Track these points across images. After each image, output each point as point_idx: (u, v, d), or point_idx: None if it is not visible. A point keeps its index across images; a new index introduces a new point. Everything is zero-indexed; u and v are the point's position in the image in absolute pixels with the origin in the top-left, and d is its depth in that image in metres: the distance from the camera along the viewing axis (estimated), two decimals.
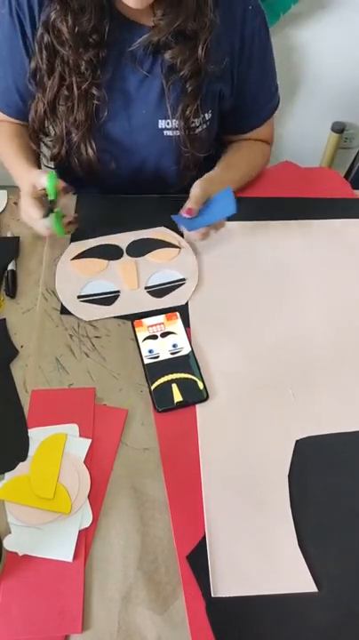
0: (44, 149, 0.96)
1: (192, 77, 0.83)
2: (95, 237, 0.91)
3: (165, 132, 0.90)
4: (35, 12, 0.80)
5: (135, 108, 0.88)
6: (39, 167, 0.96)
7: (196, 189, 0.84)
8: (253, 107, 0.97)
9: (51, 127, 0.89)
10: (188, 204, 0.84)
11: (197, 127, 0.90)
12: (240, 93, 0.93)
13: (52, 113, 0.86)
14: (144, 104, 0.87)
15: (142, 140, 0.91)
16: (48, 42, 0.80)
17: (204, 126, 0.91)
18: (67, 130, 0.86)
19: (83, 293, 0.84)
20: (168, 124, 0.88)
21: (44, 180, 0.79)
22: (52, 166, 0.99)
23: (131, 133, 0.90)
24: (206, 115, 0.90)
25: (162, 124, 0.89)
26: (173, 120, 0.88)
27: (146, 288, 0.85)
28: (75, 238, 0.91)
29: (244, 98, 0.94)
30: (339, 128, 1.87)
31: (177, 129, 0.89)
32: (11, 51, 0.85)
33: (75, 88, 0.82)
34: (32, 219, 0.83)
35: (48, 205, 0.81)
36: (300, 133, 1.91)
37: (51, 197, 0.80)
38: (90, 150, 0.88)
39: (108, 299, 0.84)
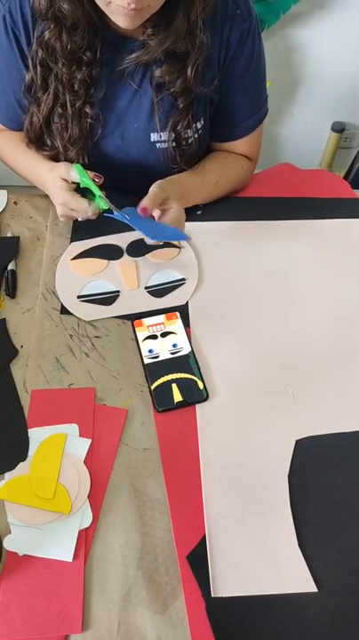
0: None
1: (182, 95, 0.83)
2: (95, 237, 0.91)
3: (158, 145, 0.90)
4: (30, 29, 0.80)
5: (127, 123, 0.88)
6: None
7: (155, 188, 0.82)
8: (232, 118, 0.94)
9: (49, 140, 0.88)
10: (144, 202, 0.80)
11: (190, 137, 0.89)
12: (220, 101, 0.91)
13: (48, 128, 0.86)
14: (136, 118, 0.87)
15: (135, 154, 0.91)
16: (42, 58, 0.80)
17: (196, 135, 0.91)
18: (64, 145, 0.87)
19: (83, 293, 0.84)
20: (160, 136, 0.88)
21: (74, 174, 0.80)
22: None
23: (125, 148, 0.90)
24: (198, 124, 0.90)
25: (154, 137, 0.89)
26: (164, 133, 0.88)
27: (146, 288, 0.85)
28: (75, 238, 0.91)
29: (223, 107, 0.92)
30: (339, 128, 1.87)
31: (168, 141, 0.88)
32: (10, 67, 0.85)
33: (69, 106, 0.82)
34: (80, 210, 0.82)
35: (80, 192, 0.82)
36: (300, 133, 1.92)
37: (97, 193, 0.80)
38: None
39: (108, 299, 0.84)
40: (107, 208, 0.81)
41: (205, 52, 0.80)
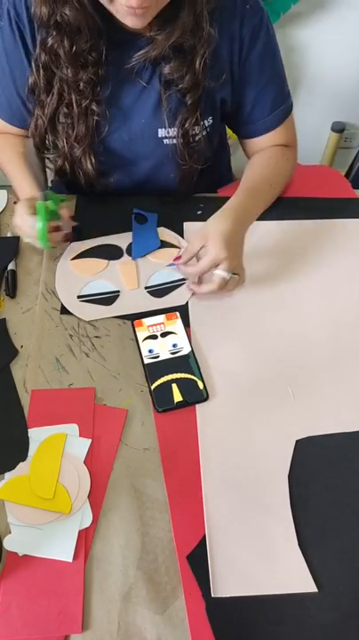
0: (49, 164, 0.96)
1: (190, 91, 0.83)
2: (95, 237, 0.91)
3: (165, 141, 0.89)
4: (36, 25, 0.79)
5: (134, 119, 0.87)
6: (46, 179, 0.93)
7: (193, 239, 0.81)
8: (258, 112, 0.93)
9: (53, 142, 0.88)
10: (182, 255, 0.84)
11: (197, 134, 0.89)
12: (241, 97, 0.90)
13: (53, 129, 0.86)
14: (142, 114, 0.87)
15: (142, 150, 0.90)
16: (45, 62, 0.79)
17: (205, 132, 0.90)
18: (70, 145, 0.86)
19: (83, 293, 0.84)
20: (167, 132, 0.88)
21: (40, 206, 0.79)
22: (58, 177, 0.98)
23: (131, 144, 0.90)
24: (206, 121, 0.89)
25: (161, 132, 0.88)
26: (172, 129, 0.87)
27: (146, 288, 0.85)
28: (75, 238, 0.91)
29: (245, 103, 0.91)
30: (339, 128, 1.87)
31: (176, 137, 0.88)
32: (13, 62, 0.84)
33: (74, 105, 0.82)
34: (28, 235, 0.81)
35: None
36: (300, 133, 1.90)
37: (42, 225, 0.78)
38: (89, 165, 0.88)
39: (108, 299, 0.84)
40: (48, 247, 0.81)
41: (213, 44, 0.79)
